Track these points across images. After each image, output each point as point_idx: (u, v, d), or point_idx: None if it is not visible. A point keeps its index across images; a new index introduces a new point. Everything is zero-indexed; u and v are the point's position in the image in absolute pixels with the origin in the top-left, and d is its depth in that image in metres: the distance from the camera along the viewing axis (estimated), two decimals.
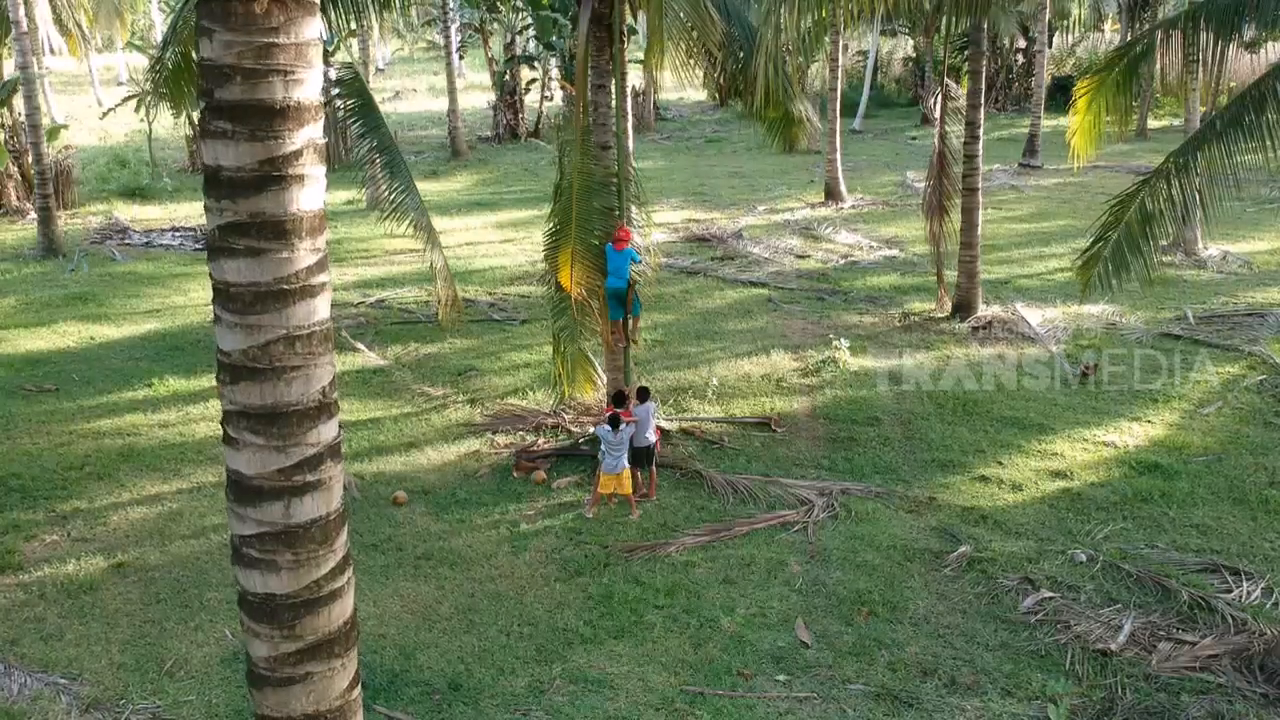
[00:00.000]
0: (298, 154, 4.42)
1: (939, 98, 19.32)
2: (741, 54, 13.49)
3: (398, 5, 17.17)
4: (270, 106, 4.44)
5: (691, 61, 13.33)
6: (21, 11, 24.17)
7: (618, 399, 12.70)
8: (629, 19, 14.14)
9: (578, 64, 12.65)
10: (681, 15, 11.73)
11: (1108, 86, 14.55)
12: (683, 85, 52.60)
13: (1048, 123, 35.38)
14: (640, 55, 43.47)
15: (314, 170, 4.46)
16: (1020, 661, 9.40)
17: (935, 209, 18.21)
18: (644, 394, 12.71)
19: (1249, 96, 12.36)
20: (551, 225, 12.94)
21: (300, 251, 4.46)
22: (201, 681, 9.39)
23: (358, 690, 5.21)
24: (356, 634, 5.20)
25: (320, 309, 4.60)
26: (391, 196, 15.26)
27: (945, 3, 17.45)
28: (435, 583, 10.92)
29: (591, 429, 12.63)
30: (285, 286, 4.48)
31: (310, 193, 4.43)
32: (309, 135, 4.54)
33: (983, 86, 18.44)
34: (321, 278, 4.59)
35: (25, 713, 8.91)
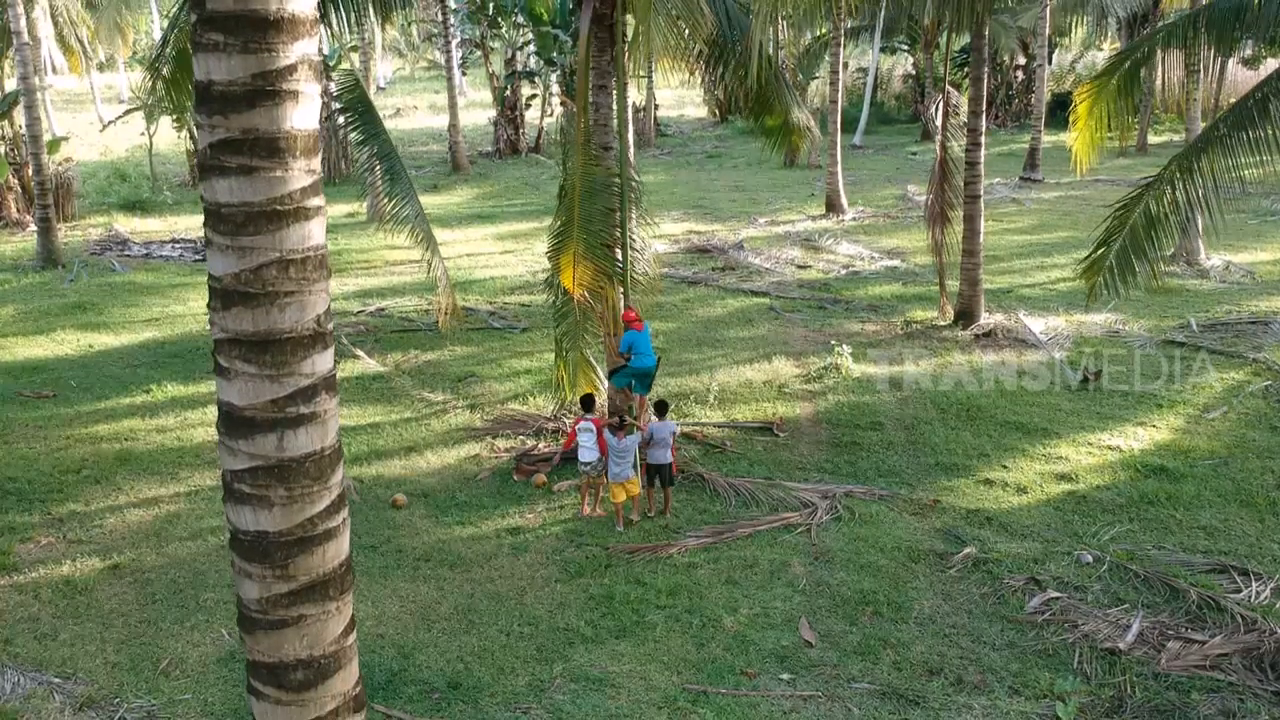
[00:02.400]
0: (291, 69, 4.28)
1: (940, 105, 19.29)
2: (738, 49, 13.42)
3: (399, 6, 17.20)
4: (263, 18, 4.28)
5: (683, 59, 13.27)
6: (23, 23, 24.17)
7: (586, 403, 12.51)
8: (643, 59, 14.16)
9: (579, 65, 12.62)
10: (672, 11, 11.64)
11: (1109, 93, 14.48)
12: (681, 103, 52.55)
13: (1048, 138, 35.39)
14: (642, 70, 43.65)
15: (308, 88, 4.31)
16: (1027, 660, 9.26)
17: (937, 216, 18.16)
18: (662, 409, 12.40)
19: (1251, 100, 12.32)
20: (556, 226, 12.85)
21: (294, 171, 4.32)
22: (197, 680, 9.26)
23: (352, 636, 5.03)
24: (351, 578, 5.01)
25: (315, 233, 4.45)
26: (392, 205, 15.26)
27: (946, 10, 17.34)
28: (434, 583, 10.80)
29: (576, 427, 12.43)
30: (279, 207, 4.33)
31: (304, 111, 4.29)
32: (303, 50, 4.38)
33: (984, 93, 18.39)
34: (316, 201, 4.44)
35: (18, 711, 8.77)
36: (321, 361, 4.58)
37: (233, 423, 4.58)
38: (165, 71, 13.40)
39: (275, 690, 4.91)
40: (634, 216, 12.79)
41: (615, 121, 12.87)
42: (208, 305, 4.53)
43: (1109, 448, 13.59)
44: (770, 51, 13.51)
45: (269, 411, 4.51)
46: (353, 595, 5.04)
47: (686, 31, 12.07)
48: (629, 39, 12.48)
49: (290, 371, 4.49)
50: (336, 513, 4.78)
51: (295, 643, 4.81)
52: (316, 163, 4.38)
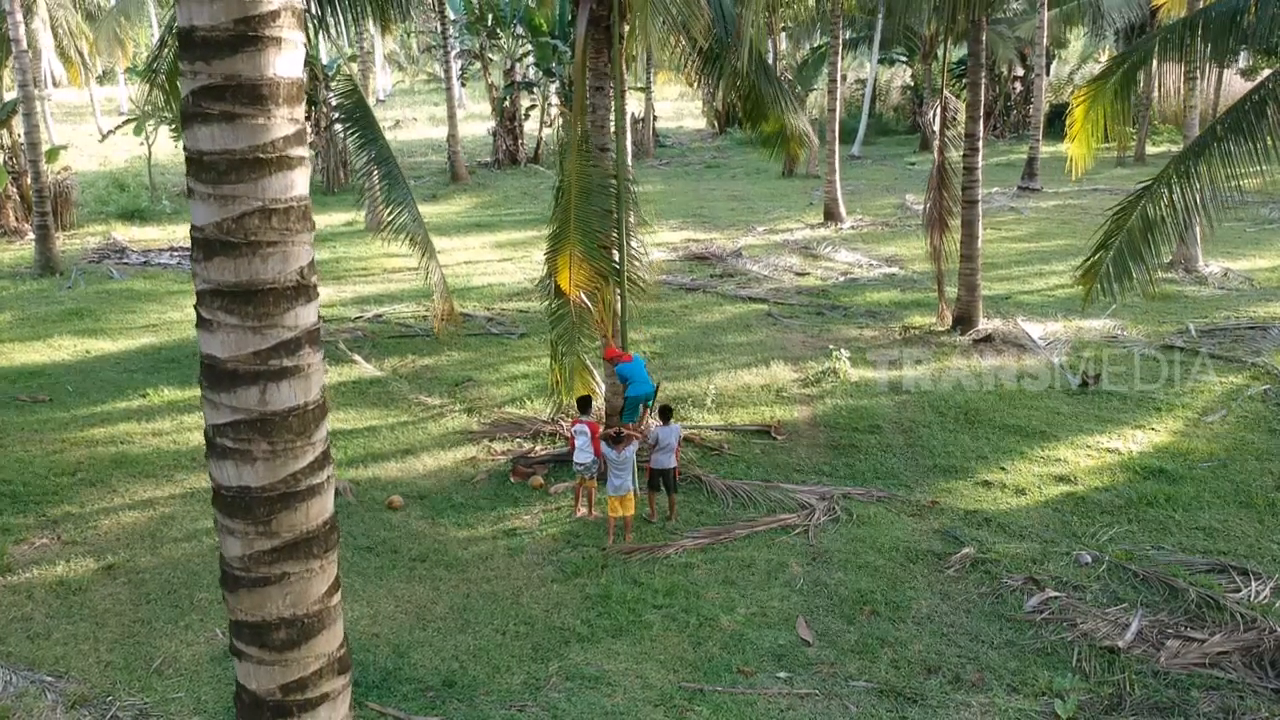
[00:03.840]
0: (274, 15, 4.22)
1: (938, 109, 19.31)
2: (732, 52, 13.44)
3: (398, 19, 17.22)
4: None
5: (678, 53, 13.27)
6: (21, 31, 24.21)
7: (583, 404, 12.43)
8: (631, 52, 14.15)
9: (576, 65, 12.61)
10: (669, 7, 11.61)
11: (1105, 96, 14.46)
12: (680, 115, 52.69)
13: (1046, 148, 35.43)
14: (640, 82, 43.62)
15: (292, 35, 4.26)
16: (1026, 659, 9.21)
17: (935, 222, 18.15)
18: (666, 414, 12.24)
19: (1249, 103, 12.32)
20: (554, 227, 12.82)
21: (277, 119, 4.28)
22: (191, 679, 9.20)
23: (337, 597, 4.96)
24: (337, 537, 4.93)
25: (298, 183, 4.41)
26: (389, 211, 15.26)
27: (945, 7, 17.36)
28: (430, 584, 10.74)
29: (571, 430, 12.35)
30: (261, 155, 4.30)
31: (288, 58, 4.25)
32: None
33: (981, 99, 18.40)
34: (299, 151, 4.41)
35: (10, 709, 8.70)
36: (304, 314, 4.53)
37: (215, 375, 4.53)
38: (162, 76, 13.38)
39: (258, 650, 4.85)
40: (631, 218, 12.75)
41: (612, 123, 12.85)
42: (190, 258, 4.49)
43: (1108, 450, 13.54)
44: (762, 49, 13.50)
45: (251, 364, 4.47)
46: (337, 555, 4.98)
47: (681, 22, 12.01)
48: (625, 35, 12.46)
49: (273, 323, 4.45)
50: (320, 470, 4.72)
51: (278, 601, 4.75)
52: (299, 112, 4.36)
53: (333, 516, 4.85)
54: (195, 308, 4.54)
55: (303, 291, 4.49)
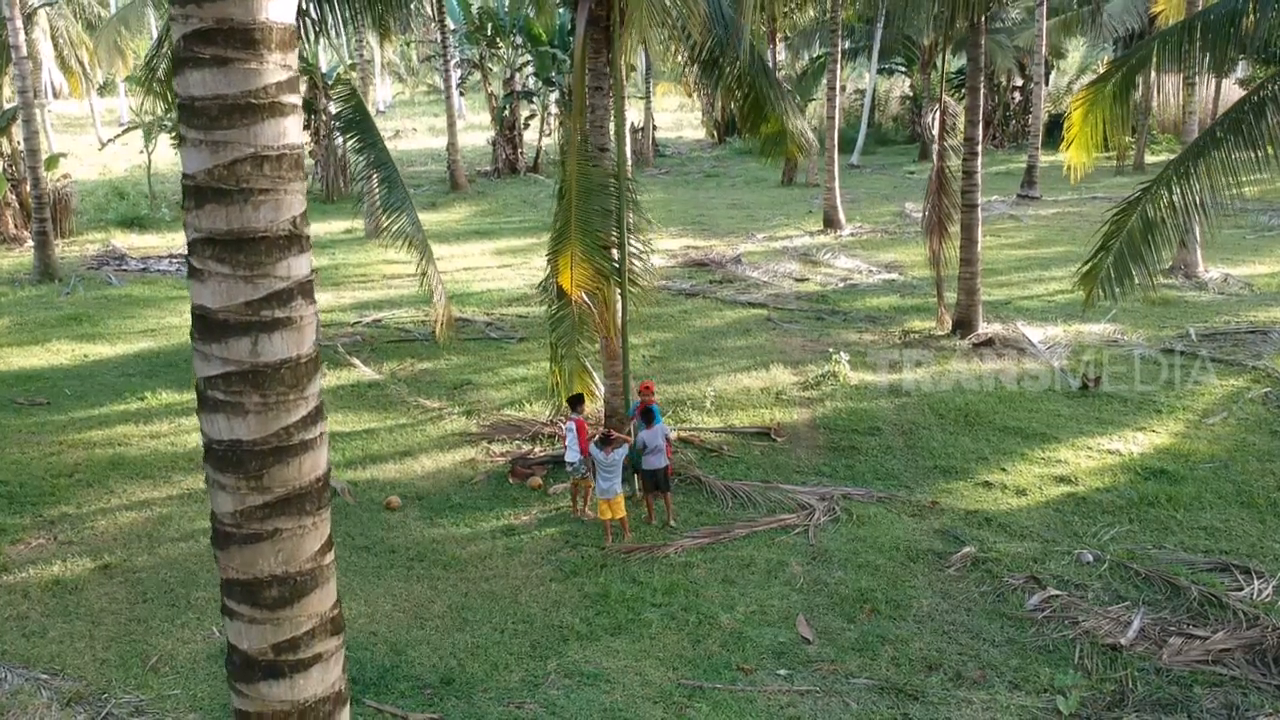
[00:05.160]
0: None
1: (937, 113, 19.32)
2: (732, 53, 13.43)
3: (399, 29, 17.24)
4: None
5: (676, 42, 13.25)
6: (21, 37, 24.23)
7: (574, 401, 12.33)
8: (628, 58, 14.11)
9: (575, 65, 12.60)
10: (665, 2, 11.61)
11: (1104, 99, 14.44)
12: (679, 125, 52.71)
13: (1045, 158, 35.45)
14: (640, 92, 43.62)
15: None
16: (1027, 656, 9.15)
17: (935, 226, 18.13)
18: (650, 415, 12.16)
19: (1248, 104, 12.30)
20: (556, 226, 12.79)
21: (269, 65, 4.25)
22: (187, 676, 9.16)
23: (330, 556, 4.89)
24: (329, 496, 4.86)
25: (291, 131, 4.37)
26: (387, 214, 15.26)
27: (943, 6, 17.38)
28: (428, 583, 10.68)
29: (564, 428, 12.27)
30: (253, 100, 4.26)
31: (280, 3, 4.24)
32: None
33: (980, 103, 18.41)
34: (292, 98, 4.37)
35: (4, 707, 8.64)
36: (297, 265, 4.49)
37: (206, 326, 4.48)
38: (160, 74, 13.38)
39: (249, 608, 4.79)
40: (631, 217, 12.73)
41: (612, 123, 12.84)
42: (181, 206, 4.46)
43: (1109, 451, 13.49)
44: (761, 53, 13.49)
45: (243, 314, 4.42)
46: (329, 514, 4.93)
47: (680, 24, 12.00)
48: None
49: (265, 273, 4.40)
50: (314, 425, 4.66)
51: (270, 558, 4.69)
52: (293, 59, 4.33)
53: (325, 474, 4.79)
54: (186, 258, 4.50)
55: (295, 241, 4.45)
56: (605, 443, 11.59)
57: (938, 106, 19.45)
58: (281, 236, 4.39)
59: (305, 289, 4.53)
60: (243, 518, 4.66)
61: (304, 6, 14.90)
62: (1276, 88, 12.13)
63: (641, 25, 11.02)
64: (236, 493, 4.63)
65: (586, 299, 12.55)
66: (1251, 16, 12.97)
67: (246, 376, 4.49)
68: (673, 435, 12.92)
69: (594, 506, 11.94)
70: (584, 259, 12.33)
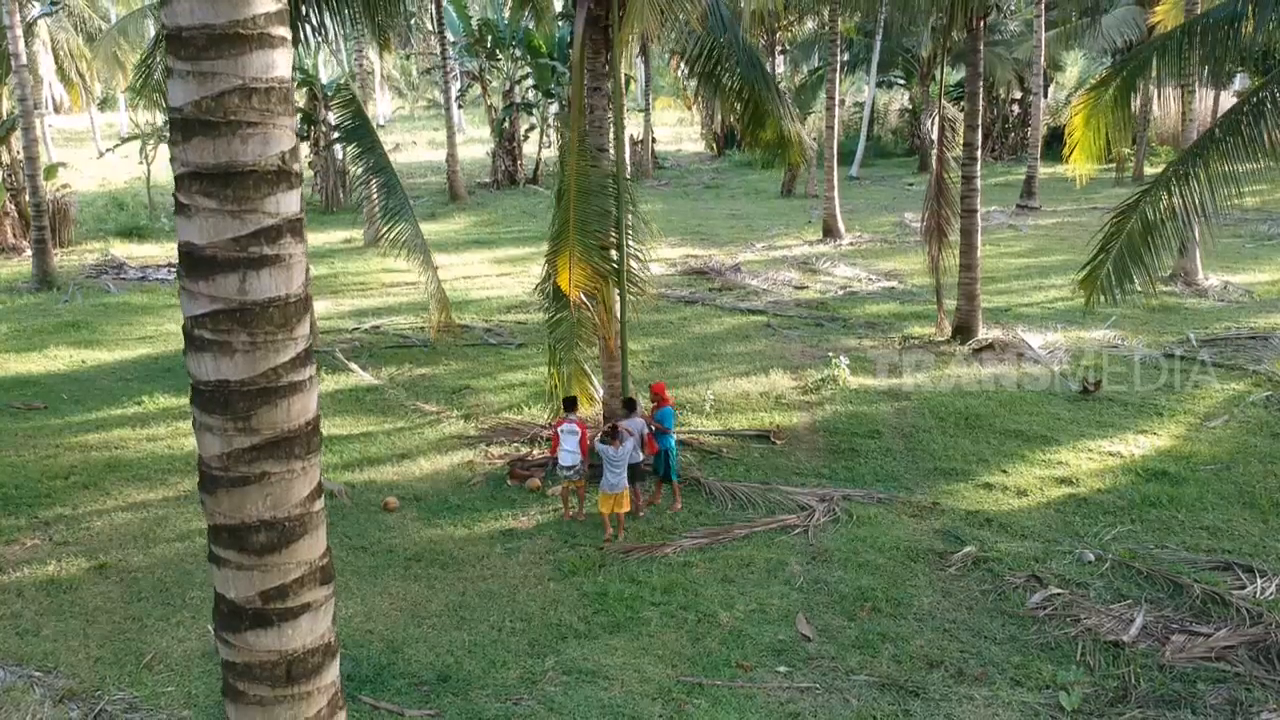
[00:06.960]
0: None
1: (936, 119, 19.31)
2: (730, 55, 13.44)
3: (400, 44, 17.25)
4: None
5: (672, 28, 13.23)
6: (20, 46, 24.24)
7: (569, 403, 12.24)
8: (625, 68, 14.11)
9: (574, 66, 12.59)
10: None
11: (1105, 104, 14.44)
12: (679, 139, 52.74)
13: (1045, 169, 35.48)
14: (639, 105, 43.64)
15: None
16: (1029, 654, 9.08)
17: (934, 232, 18.10)
18: (631, 405, 12.38)
19: (1247, 105, 12.28)
20: (555, 227, 12.76)
21: None
22: (181, 674, 9.08)
23: (319, 503, 4.77)
24: (319, 440, 4.74)
25: (279, 64, 4.29)
26: (386, 220, 15.25)
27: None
28: (425, 582, 10.61)
29: (558, 430, 12.22)
30: (241, 30, 4.19)
31: None
32: None
33: (980, 108, 18.42)
34: (281, 31, 4.29)
35: None
36: (286, 202, 4.41)
37: (193, 263, 4.39)
38: (158, 74, 13.37)
39: (236, 554, 4.68)
40: (630, 217, 12.70)
41: (611, 124, 12.82)
42: (169, 143, 4.40)
43: (1110, 453, 13.43)
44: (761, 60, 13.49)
45: (230, 250, 4.34)
46: (320, 457, 4.84)
47: (684, 24, 11.99)
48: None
49: (253, 209, 4.32)
50: (302, 367, 4.56)
51: (258, 502, 4.59)
52: None
53: (315, 419, 4.70)
54: (174, 194, 4.44)
55: (284, 178, 4.37)
56: (612, 436, 11.57)
57: (937, 111, 19.41)
58: (270, 172, 4.32)
59: (294, 226, 4.43)
60: (230, 460, 4.55)
61: (304, 12, 14.94)
62: (1276, 89, 12.12)
63: (642, 18, 10.99)
64: (223, 434, 4.52)
65: (585, 300, 12.52)
66: (1250, 21, 12.97)
67: (234, 315, 4.39)
68: (644, 433, 12.81)
69: (592, 506, 11.88)
70: (582, 259, 12.30)
